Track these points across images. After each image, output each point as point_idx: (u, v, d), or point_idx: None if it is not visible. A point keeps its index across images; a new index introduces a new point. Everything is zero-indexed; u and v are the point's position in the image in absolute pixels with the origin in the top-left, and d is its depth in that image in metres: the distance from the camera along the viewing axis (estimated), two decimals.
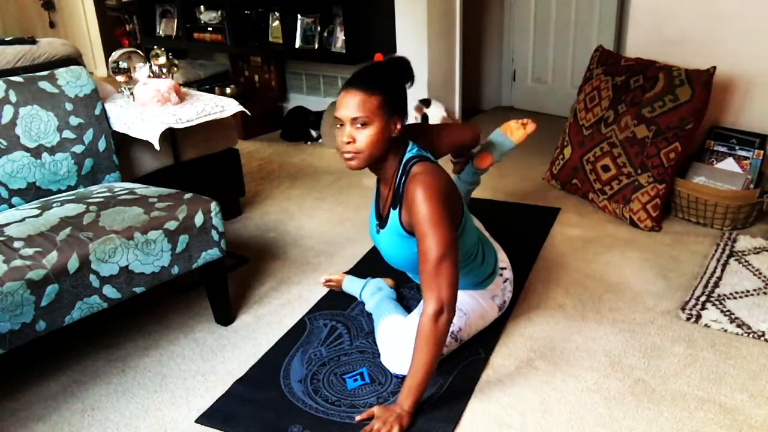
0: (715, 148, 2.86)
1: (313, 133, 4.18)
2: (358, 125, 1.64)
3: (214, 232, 2.01)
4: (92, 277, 1.73)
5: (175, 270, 1.94)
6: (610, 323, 2.08)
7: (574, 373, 1.85)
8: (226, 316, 2.17)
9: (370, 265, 2.47)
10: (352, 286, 2.26)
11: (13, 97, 2.08)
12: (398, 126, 1.70)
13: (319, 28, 4.05)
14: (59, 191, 2.15)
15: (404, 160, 1.75)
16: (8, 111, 2.06)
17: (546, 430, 1.64)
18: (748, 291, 2.21)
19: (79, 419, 1.76)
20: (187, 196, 2.03)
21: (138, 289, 1.86)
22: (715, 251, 2.48)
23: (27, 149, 2.07)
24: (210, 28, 4.56)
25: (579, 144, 3.05)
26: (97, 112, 2.25)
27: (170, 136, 2.49)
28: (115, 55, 2.60)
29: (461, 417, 1.69)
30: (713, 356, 1.90)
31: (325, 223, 2.94)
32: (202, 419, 1.73)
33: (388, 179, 1.79)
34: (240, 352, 2.01)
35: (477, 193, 2.47)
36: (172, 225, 1.90)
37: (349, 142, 1.66)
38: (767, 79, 2.80)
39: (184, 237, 1.93)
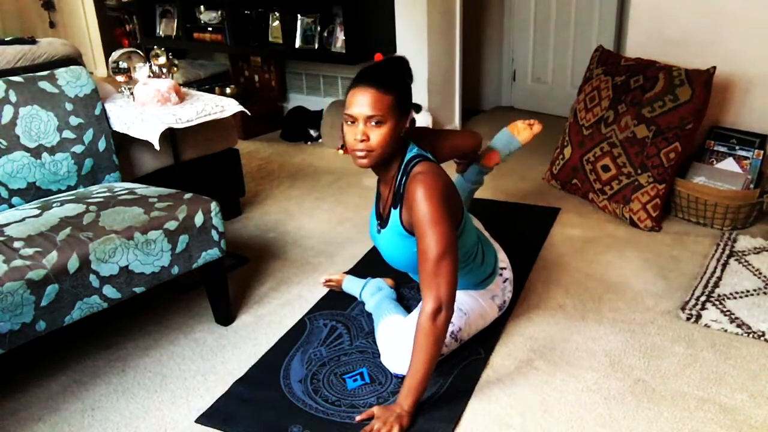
0: (715, 148, 2.86)
1: (313, 133, 4.18)
2: (373, 123, 1.63)
3: (214, 232, 2.01)
4: (92, 277, 1.73)
5: (175, 270, 1.94)
6: (610, 323, 2.08)
7: (574, 373, 1.85)
8: (226, 316, 2.17)
9: (370, 265, 2.47)
10: (352, 286, 2.26)
11: (13, 97, 2.08)
12: (407, 125, 1.72)
13: (319, 28, 4.05)
14: (59, 191, 2.15)
15: (405, 160, 1.75)
16: (8, 111, 2.06)
17: (546, 430, 1.64)
18: (748, 291, 2.21)
19: (79, 419, 1.76)
20: (187, 196, 2.03)
21: (138, 289, 1.86)
22: (715, 251, 2.48)
23: (27, 149, 2.07)
24: (210, 28, 4.56)
25: (579, 144, 3.05)
26: (97, 112, 2.25)
27: (170, 136, 2.49)
28: (115, 55, 2.60)
29: (461, 417, 1.69)
30: (713, 356, 1.90)
31: (325, 223, 2.94)
32: (202, 419, 1.73)
33: (389, 179, 1.79)
34: (240, 352, 2.01)
35: (477, 193, 2.47)
36: (172, 225, 1.90)
37: (363, 140, 1.64)
38: (767, 79, 2.80)
39: (184, 237, 1.93)
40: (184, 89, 2.57)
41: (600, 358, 1.91)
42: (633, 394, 1.75)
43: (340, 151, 3.90)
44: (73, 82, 2.22)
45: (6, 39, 2.49)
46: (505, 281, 2.03)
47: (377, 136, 1.64)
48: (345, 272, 2.38)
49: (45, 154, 2.11)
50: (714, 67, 2.65)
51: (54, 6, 6.23)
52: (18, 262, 1.63)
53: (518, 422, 1.67)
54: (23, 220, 1.84)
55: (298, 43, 4.15)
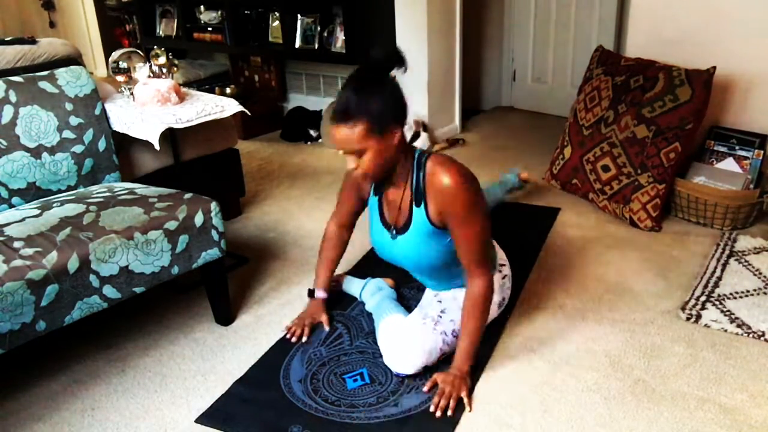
0: (715, 148, 2.86)
1: (313, 133, 4.18)
2: (355, 154, 1.67)
3: (214, 232, 2.01)
4: (92, 277, 1.73)
5: (175, 270, 1.94)
6: (610, 323, 2.08)
7: (574, 373, 1.85)
8: (226, 316, 2.17)
9: (370, 265, 2.47)
10: (351, 286, 2.26)
11: (13, 97, 2.08)
12: (398, 135, 1.68)
13: (319, 28, 4.06)
14: (59, 191, 2.15)
15: (416, 158, 1.77)
16: (8, 111, 2.06)
17: (546, 430, 1.64)
18: (748, 291, 2.21)
19: (79, 419, 1.76)
20: (187, 196, 2.03)
21: (138, 289, 1.86)
22: (715, 251, 2.48)
23: (27, 149, 2.07)
24: (210, 28, 4.56)
25: (579, 144, 3.05)
26: (97, 112, 2.25)
27: (170, 136, 2.49)
28: (115, 55, 2.60)
29: (461, 417, 1.69)
30: (713, 356, 1.90)
31: (324, 223, 2.93)
32: (202, 419, 1.73)
33: (399, 183, 1.80)
34: (240, 352, 2.01)
35: None
36: (172, 225, 1.90)
37: (355, 167, 1.70)
38: (767, 79, 2.80)
39: (184, 237, 1.93)
40: (184, 89, 2.57)
41: (600, 358, 1.91)
42: (633, 394, 1.75)
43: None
44: (73, 82, 2.22)
45: (6, 39, 2.49)
46: (503, 278, 2.03)
47: (366, 162, 1.68)
48: (345, 272, 2.38)
49: (45, 154, 2.10)
50: (714, 67, 2.65)
51: (54, 6, 6.23)
52: (18, 262, 1.63)
53: (518, 422, 1.67)
54: (23, 220, 1.84)
55: (298, 43, 4.15)
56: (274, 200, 3.24)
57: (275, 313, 2.23)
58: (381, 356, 1.90)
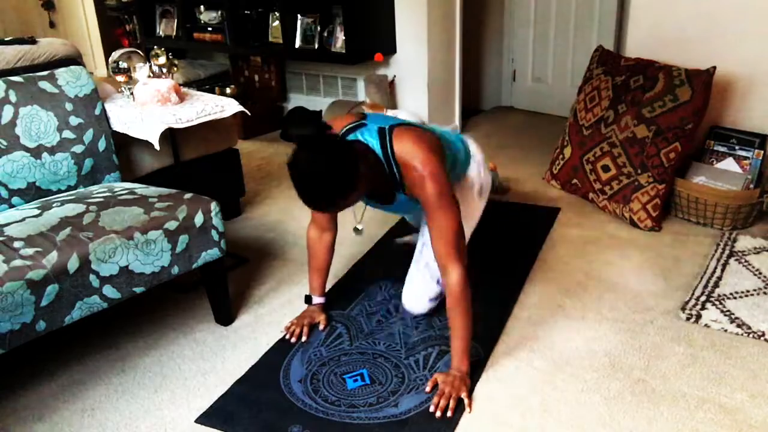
0: (715, 148, 2.86)
1: None
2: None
3: (214, 232, 2.01)
4: (92, 277, 1.73)
5: (175, 270, 1.94)
6: (610, 323, 2.08)
7: (574, 373, 1.85)
8: (226, 316, 2.17)
9: (370, 265, 2.47)
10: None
11: (13, 97, 2.08)
12: (363, 183, 1.65)
13: (319, 28, 4.05)
14: (59, 191, 2.15)
15: (380, 153, 1.77)
16: (8, 111, 2.06)
17: (546, 430, 1.64)
18: (748, 291, 2.21)
19: (79, 419, 1.76)
20: (187, 196, 2.03)
21: (138, 289, 1.86)
22: (715, 251, 2.48)
23: (27, 149, 2.07)
24: (210, 28, 4.56)
25: (579, 144, 3.05)
26: (97, 112, 2.25)
27: (170, 136, 2.49)
28: (115, 55, 2.60)
29: (461, 417, 1.69)
30: (713, 356, 1.90)
31: None
32: (202, 419, 1.73)
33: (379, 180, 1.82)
34: (240, 352, 2.01)
35: None
36: (172, 225, 1.90)
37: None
38: (767, 79, 2.80)
39: (184, 237, 1.93)
40: (184, 89, 2.57)
41: (600, 358, 1.91)
42: (633, 394, 1.75)
43: None
44: (73, 82, 2.22)
45: (6, 39, 2.49)
46: (476, 164, 2.15)
47: (348, 209, 1.73)
48: (344, 273, 2.38)
49: (45, 154, 2.10)
50: (714, 67, 2.65)
51: (54, 6, 6.23)
52: (18, 262, 1.63)
53: (518, 422, 1.67)
54: (23, 220, 1.84)
55: (298, 43, 4.15)
56: (274, 200, 3.24)
57: (275, 313, 2.23)
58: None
